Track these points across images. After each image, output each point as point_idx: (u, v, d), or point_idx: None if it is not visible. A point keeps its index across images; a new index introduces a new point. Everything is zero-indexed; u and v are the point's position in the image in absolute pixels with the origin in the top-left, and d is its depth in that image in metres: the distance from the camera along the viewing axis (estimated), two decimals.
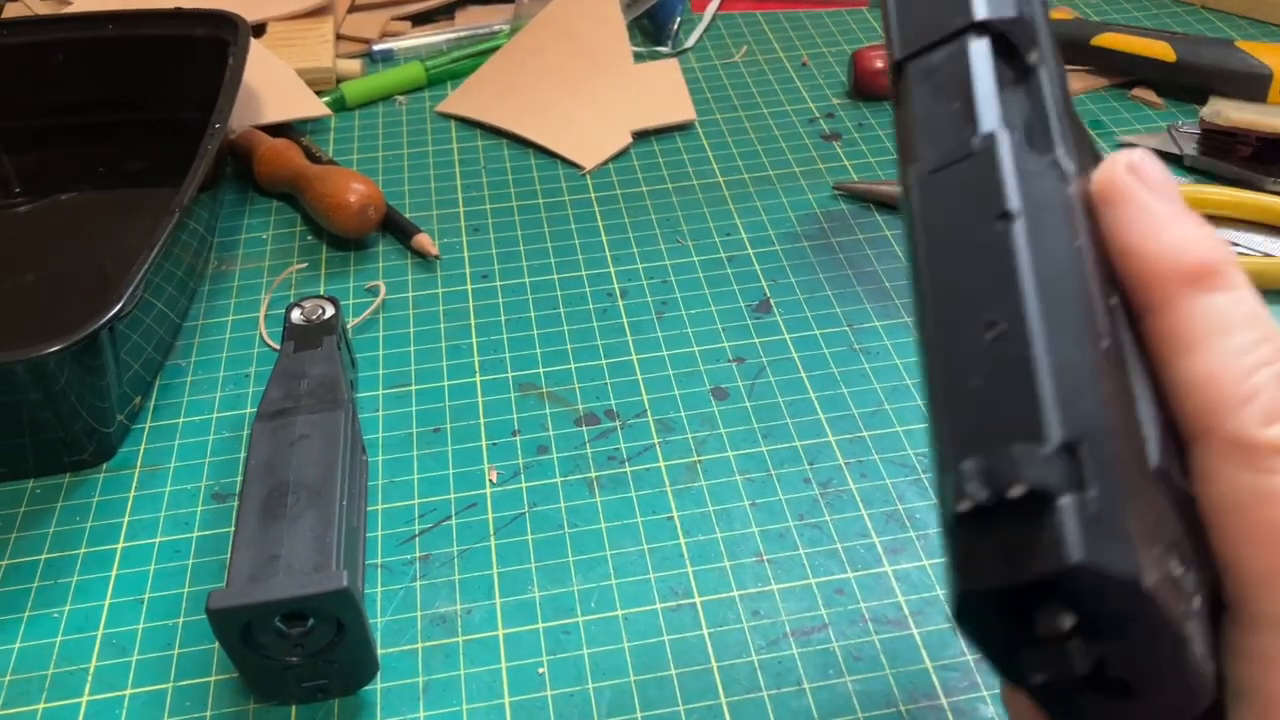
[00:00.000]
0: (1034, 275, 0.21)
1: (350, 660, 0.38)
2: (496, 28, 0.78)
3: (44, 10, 0.78)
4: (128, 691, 0.40)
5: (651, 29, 0.78)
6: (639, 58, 0.75)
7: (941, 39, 0.25)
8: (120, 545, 0.46)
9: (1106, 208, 0.23)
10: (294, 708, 0.40)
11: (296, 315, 0.49)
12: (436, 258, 0.59)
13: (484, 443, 0.49)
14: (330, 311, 0.49)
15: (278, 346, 0.52)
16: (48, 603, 0.44)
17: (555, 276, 0.58)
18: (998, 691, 0.39)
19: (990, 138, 0.23)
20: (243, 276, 0.59)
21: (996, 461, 0.19)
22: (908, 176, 0.24)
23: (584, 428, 0.50)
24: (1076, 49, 0.70)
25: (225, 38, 0.62)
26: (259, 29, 0.75)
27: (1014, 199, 0.22)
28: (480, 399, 0.51)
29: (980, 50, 0.24)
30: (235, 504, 0.45)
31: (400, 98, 0.73)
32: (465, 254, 0.60)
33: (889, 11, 0.27)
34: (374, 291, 0.57)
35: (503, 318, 0.56)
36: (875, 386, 0.51)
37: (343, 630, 0.37)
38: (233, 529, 0.39)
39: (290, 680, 0.38)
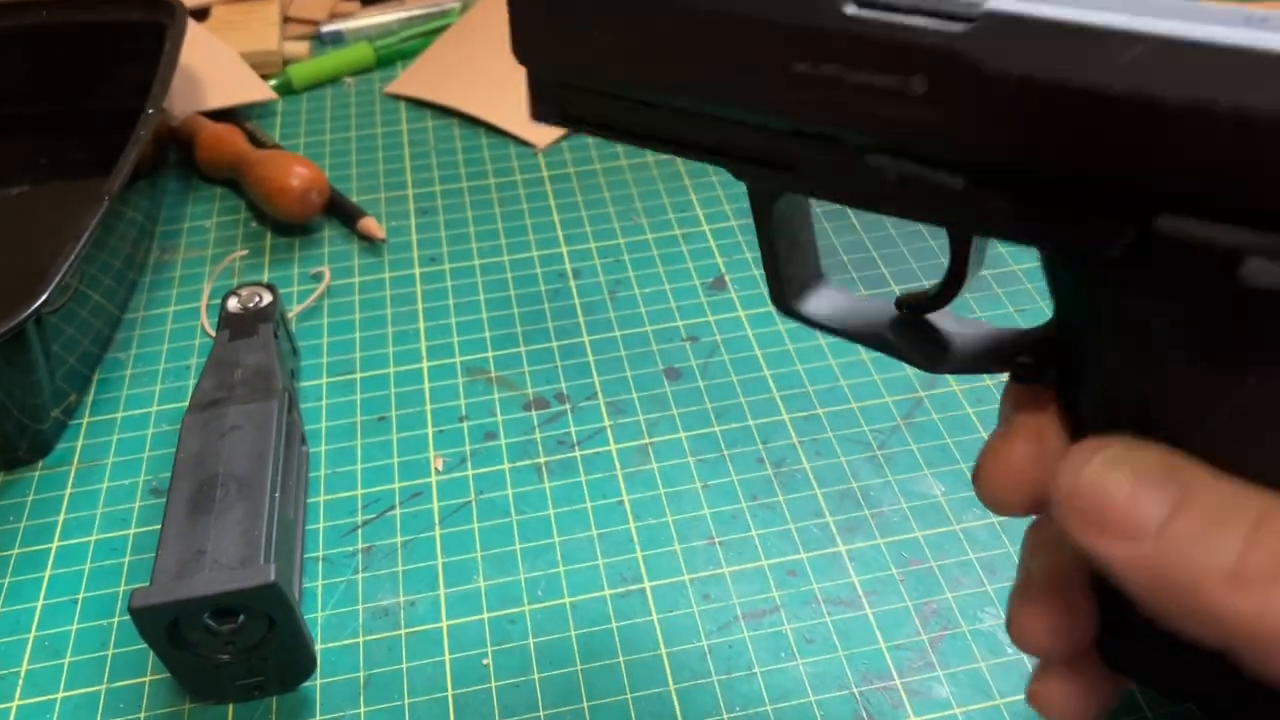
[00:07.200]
0: None
1: (285, 656, 0.37)
2: (447, 6, 0.76)
3: None
4: (60, 695, 0.39)
5: None
6: None
7: None
8: (55, 544, 0.44)
9: None
10: (231, 707, 0.39)
11: (233, 303, 0.47)
12: (383, 241, 0.58)
13: (430, 430, 0.48)
14: (267, 299, 0.47)
15: None
16: None
17: (506, 258, 0.57)
18: (952, 671, 0.38)
19: None
20: (185, 266, 0.58)
21: None
22: None
23: (533, 412, 0.49)
24: None
25: (162, 21, 0.60)
26: (203, 12, 0.74)
27: None
28: (427, 385, 0.50)
29: None
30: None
31: (349, 79, 0.71)
32: (413, 237, 0.59)
33: None
34: (318, 277, 0.56)
35: (451, 301, 0.54)
36: (831, 362, 0.50)
37: (274, 626, 0.36)
38: (160, 524, 0.37)
39: (225, 679, 0.37)
